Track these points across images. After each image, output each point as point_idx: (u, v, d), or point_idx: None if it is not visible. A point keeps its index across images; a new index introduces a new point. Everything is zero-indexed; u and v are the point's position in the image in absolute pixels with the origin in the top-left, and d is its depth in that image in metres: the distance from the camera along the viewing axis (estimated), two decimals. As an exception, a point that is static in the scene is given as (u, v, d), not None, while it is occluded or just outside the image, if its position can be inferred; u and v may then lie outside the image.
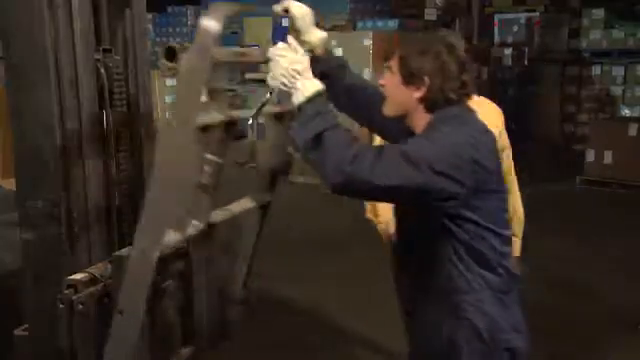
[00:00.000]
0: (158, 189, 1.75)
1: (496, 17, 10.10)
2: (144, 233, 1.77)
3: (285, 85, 1.91)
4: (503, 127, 2.77)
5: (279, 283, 5.02)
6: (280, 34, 9.15)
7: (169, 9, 12.25)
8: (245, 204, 2.40)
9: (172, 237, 1.95)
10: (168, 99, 9.12)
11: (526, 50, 9.67)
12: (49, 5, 1.86)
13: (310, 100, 1.87)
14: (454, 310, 1.98)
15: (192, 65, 1.73)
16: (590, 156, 8.34)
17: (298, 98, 1.89)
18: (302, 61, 1.93)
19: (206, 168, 2.01)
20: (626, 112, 9.47)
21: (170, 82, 9.34)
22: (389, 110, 2.08)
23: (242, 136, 2.19)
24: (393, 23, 9.38)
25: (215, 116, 1.95)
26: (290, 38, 2.03)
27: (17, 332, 2.01)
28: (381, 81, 2.09)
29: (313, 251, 5.83)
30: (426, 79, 1.97)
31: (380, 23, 9.45)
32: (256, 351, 3.81)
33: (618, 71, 9.64)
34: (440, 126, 1.93)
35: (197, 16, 10.91)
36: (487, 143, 1.97)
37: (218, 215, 2.28)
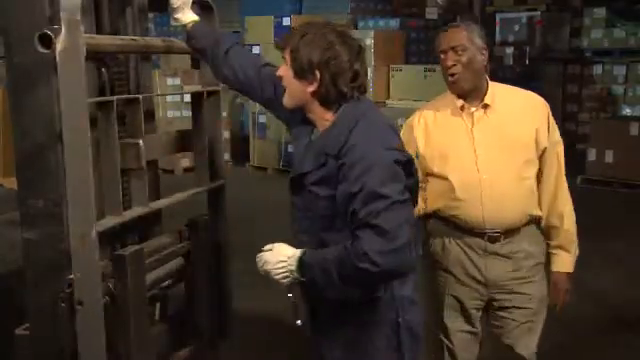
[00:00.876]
0: (78, 173, 1.81)
1: (497, 16, 10.10)
2: (76, 220, 1.82)
3: (286, 277, 2.00)
4: (550, 121, 2.57)
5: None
6: (281, 33, 9.15)
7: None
8: (192, 191, 2.44)
9: (110, 220, 2.01)
10: (169, 98, 9.12)
11: (527, 49, 9.67)
12: (50, 4, 1.86)
13: (302, 269, 1.97)
14: None
15: (66, 46, 1.77)
16: (591, 155, 8.34)
17: (299, 277, 1.98)
18: (280, 253, 2.02)
19: (127, 151, 2.08)
20: (627, 111, 9.46)
21: (171, 81, 9.34)
22: (288, 102, 2.08)
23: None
24: (394, 22, 9.38)
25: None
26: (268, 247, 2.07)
27: (18, 331, 2.02)
28: (278, 72, 2.08)
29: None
30: (317, 73, 1.96)
31: (381, 22, 9.45)
32: (262, 348, 3.81)
33: (619, 70, 9.63)
34: (349, 135, 1.95)
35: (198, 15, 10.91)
36: (395, 139, 2.04)
37: (163, 201, 2.30)
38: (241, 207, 5.83)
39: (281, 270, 1.99)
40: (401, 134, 2.72)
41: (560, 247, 2.62)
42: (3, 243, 2.52)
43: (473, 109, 2.53)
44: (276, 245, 2.04)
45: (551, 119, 2.57)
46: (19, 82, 1.91)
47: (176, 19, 2.32)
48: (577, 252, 2.65)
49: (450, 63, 2.47)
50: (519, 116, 2.53)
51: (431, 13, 10.38)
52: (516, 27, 9.95)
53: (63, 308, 1.89)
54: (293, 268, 1.98)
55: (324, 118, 2.05)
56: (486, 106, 2.53)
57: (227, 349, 2.59)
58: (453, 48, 2.46)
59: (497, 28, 10.09)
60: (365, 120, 1.99)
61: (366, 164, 1.89)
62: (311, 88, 2.00)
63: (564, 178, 2.61)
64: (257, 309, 4.32)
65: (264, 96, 2.27)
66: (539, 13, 9.93)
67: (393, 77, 8.62)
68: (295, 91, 2.04)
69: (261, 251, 2.05)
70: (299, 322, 2.13)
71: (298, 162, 2.11)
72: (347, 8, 9.79)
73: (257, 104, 10.41)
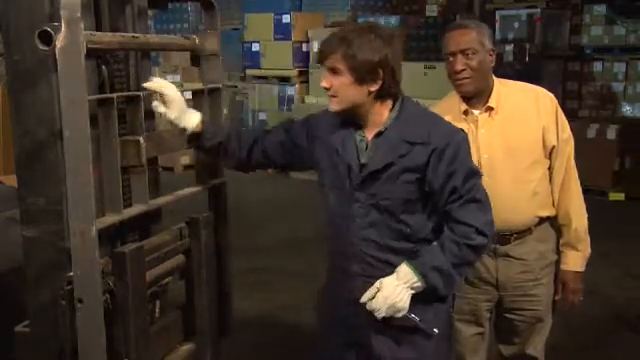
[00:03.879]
0: (78, 170, 1.80)
1: (497, 13, 10.07)
2: (76, 217, 1.82)
3: (400, 303, 2.03)
4: (559, 118, 2.53)
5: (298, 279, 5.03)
6: (281, 30, 9.15)
7: (170, 5, 12.23)
8: (193, 189, 2.44)
9: (110, 218, 2.00)
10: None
11: (527, 46, 9.64)
12: (50, 2, 1.86)
13: (423, 277, 2.02)
14: None
15: (66, 44, 1.76)
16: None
17: (419, 288, 2.04)
18: (389, 284, 2.04)
19: (127, 149, 2.07)
20: (627, 109, 9.45)
21: (171, 78, 9.34)
22: (338, 107, 2.09)
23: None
24: (394, 20, 9.37)
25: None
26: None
27: (18, 329, 2.02)
28: (324, 84, 2.10)
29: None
30: (380, 71, 2.00)
31: (381, 19, 9.44)
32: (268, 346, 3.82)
33: (619, 67, 9.61)
34: (430, 121, 2.10)
35: (198, 13, 10.91)
36: None
37: (163, 199, 2.30)
38: (241, 205, 5.83)
39: (403, 293, 2.02)
40: None
41: (569, 245, 2.59)
42: (3, 241, 2.52)
43: (477, 112, 2.49)
44: (377, 283, 2.05)
45: (560, 115, 2.52)
46: (19, 79, 1.91)
47: (182, 128, 2.25)
48: (588, 251, 2.62)
49: (460, 67, 2.42)
50: (525, 116, 2.48)
51: (431, 10, 10.38)
52: (516, 24, 9.93)
53: (63, 306, 1.89)
54: (415, 280, 2.02)
55: (381, 113, 2.10)
56: (490, 109, 2.48)
57: (227, 348, 2.59)
58: (463, 51, 2.41)
59: (497, 25, 10.06)
60: (425, 108, 2.17)
61: (455, 145, 2.04)
62: (374, 87, 2.03)
63: (574, 176, 2.56)
64: (257, 308, 4.33)
65: (281, 163, 2.35)
66: (539, 10, 9.91)
67: (393, 74, 8.61)
68: (352, 95, 2.06)
69: (367, 298, 2.06)
70: (436, 330, 2.12)
71: (370, 160, 2.09)
72: (347, 5, 9.80)
73: (257, 101, 10.31)
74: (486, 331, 2.69)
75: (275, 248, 5.74)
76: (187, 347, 2.43)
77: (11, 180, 2.44)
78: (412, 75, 8.42)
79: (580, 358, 3.88)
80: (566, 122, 2.55)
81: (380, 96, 2.07)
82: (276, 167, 2.43)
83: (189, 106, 2.28)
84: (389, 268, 2.08)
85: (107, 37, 2.02)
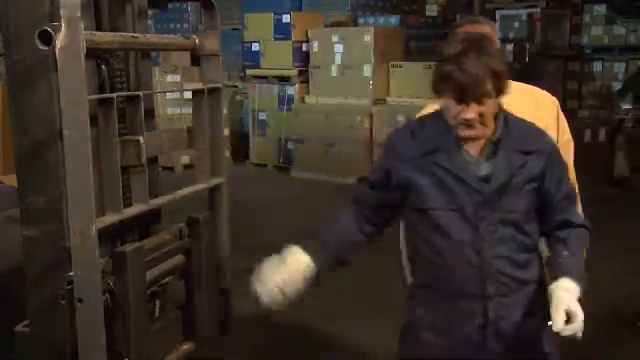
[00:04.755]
0: (78, 170, 1.81)
1: (497, 13, 10.07)
2: (76, 217, 1.82)
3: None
4: (560, 120, 2.52)
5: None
6: (281, 30, 9.15)
7: (170, 5, 12.24)
8: (193, 188, 2.43)
9: (110, 218, 2.00)
10: (169, 95, 9.12)
11: (527, 46, 9.65)
12: (50, 1, 1.86)
13: (580, 289, 2.04)
14: None
15: (66, 43, 1.77)
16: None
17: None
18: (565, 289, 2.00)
19: (127, 148, 2.08)
20: (627, 108, 9.45)
21: (171, 78, 9.34)
22: (483, 133, 1.96)
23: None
24: (394, 19, 9.37)
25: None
26: None
27: (18, 329, 2.02)
28: (471, 115, 1.90)
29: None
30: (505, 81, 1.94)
31: (381, 19, 9.45)
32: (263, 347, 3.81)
33: (619, 67, 9.63)
34: (534, 127, 2.10)
35: (198, 12, 10.90)
36: None
37: (163, 199, 2.29)
38: (241, 204, 5.83)
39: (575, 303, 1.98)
40: None
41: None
42: (3, 240, 2.52)
43: None
44: (562, 304, 1.95)
45: (561, 118, 2.51)
46: (19, 79, 1.91)
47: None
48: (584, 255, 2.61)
49: None
50: (525, 115, 2.47)
51: (431, 10, 10.38)
52: (516, 24, 9.93)
53: (63, 305, 1.89)
54: (578, 293, 2.02)
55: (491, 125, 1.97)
56: None
57: (226, 347, 2.58)
58: None
59: (497, 25, 10.07)
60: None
61: (557, 148, 2.09)
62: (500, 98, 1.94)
63: (573, 177, 2.49)
64: (256, 308, 4.32)
65: (392, 216, 2.20)
66: (539, 10, 9.91)
67: (393, 74, 8.61)
68: (493, 114, 1.95)
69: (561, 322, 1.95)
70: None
71: (493, 173, 1.97)
72: (347, 5, 9.79)
73: (257, 101, 10.27)
74: None
75: (275, 248, 5.73)
76: (187, 346, 2.43)
77: (11, 180, 2.43)
78: (412, 75, 8.43)
79: (578, 357, 3.88)
80: (566, 125, 2.54)
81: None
82: (394, 222, 2.26)
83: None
84: (518, 284, 2.01)
85: (107, 37, 2.02)
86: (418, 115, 2.63)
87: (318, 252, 2.12)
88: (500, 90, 1.90)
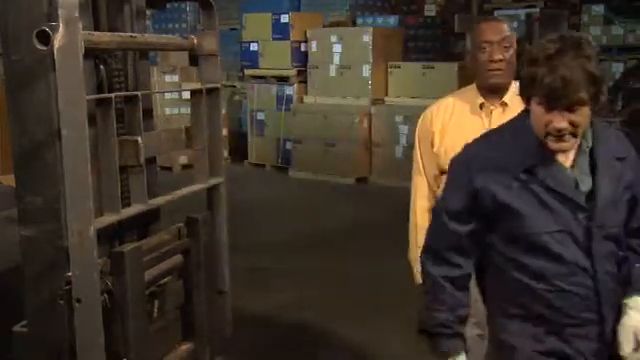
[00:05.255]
0: (76, 170, 1.81)
1: (495, 13, 10.08)
2: (74, 217, 1.82)
3: None
4: None
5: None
6: (280, 30, 9.15)
7: (168, 5, 12.22)
8: (191, 188, 2.43)
9: (108, 218, 2.00)
10: (168, 95, 9.12)
11: (526, 46, 9.66)
12: (48, 1, 1.86)
13: None
14: None
15: (64, 43, 1.76)
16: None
17: None
18: None
19: (126, 148, 2.07)
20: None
21: (169, 78, 9.33)
22: (576, 142, 1.77)
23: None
24: (393, 19, 9.37)
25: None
26: None
27: (16, 329, 2.01)
28: (564, 124, 1.69)
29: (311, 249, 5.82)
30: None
31: (380, 19, 9.44)
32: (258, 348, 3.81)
33: (617, 67, 9.63)
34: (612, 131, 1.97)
35: (197, 12, 10.89)
36: None
37: (162, 199, 2.29)
38: (240, 204, 5.83)
39: None
40: (418, 124, 2.66)
41: None
42: (1, 240, 2.52)
43: (492, 107, 2.48)
44: (630, 328, 1.81)
45: None
46: (17, 79, 1.91)
47: None
48: None
49: (498, 57, 2.38)
50: None
51: (429, 10, 10.38)
52: (514, 24, 9.93)
53: (61, 305, 1.89)
54: None
55: None
56: (505, 105, 2.47)
57: (226, 347, 2.58)
58: (500, 41, 2.39)
59: (495, 25, 10.09)
60: None
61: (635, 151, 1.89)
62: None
63: None
64: (256, 308, 4.32)
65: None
66: (537, 10, 9.91)
67: (391, 74, 8.61)
68: (587, 124, 1.75)
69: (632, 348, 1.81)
70: None
71: (598, 186, 1.79)
72: (346, 5, 9.79)
73: (255, 101, 10.26)
74: (485, 334, 2.67)
75: (274, 247, 5.73)
76: (186, 347, 2.43)
77: (9, 179, 2.43)
78: (410, 75, 8.43)
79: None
80: None
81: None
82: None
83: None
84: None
85: (105, 37, 2.02)
86: (428, 110, 2.62)
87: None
88: (597, 97, 1.67)
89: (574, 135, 1.70)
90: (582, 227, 1.76)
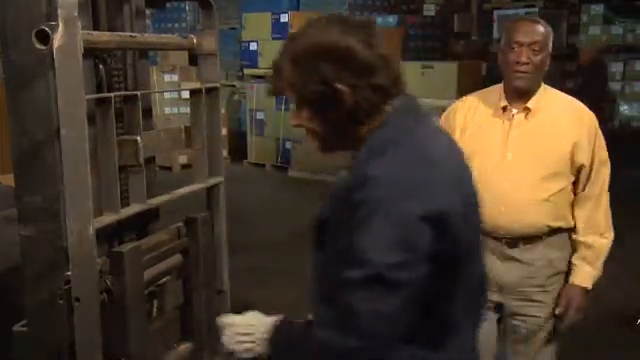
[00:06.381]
0: (75, 170, 1.81)
1: (495, 13, 10.08)
2: (73, 216, 1.82)
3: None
4: (597, 139, 2.43)
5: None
6: (279, 30, 9.15)
7: (168, 5, 12.21)
8: (190, 188, 2.44)
9: (108, 217, 2.00)
10: (167, 95, 9.12)
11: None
12: (47, 1, 1.86)
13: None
14: None
15: (64, 43, 1.76)
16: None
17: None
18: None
19: (125, 148, 2.07)
20: (625, 108, 9.47)
21: (168, 78, 9.33)
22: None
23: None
24: (392, 19, 9.36)
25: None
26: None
27: (16, 328, 2.02)
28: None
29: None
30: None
31: (379, 19, 9.44)
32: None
33: (617, 67, 9.64)
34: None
35: (196, 12, 10.90)
36: None
37: (161, 198, 2.30)
38: (239, 204, 5.83)
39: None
40: (443, 116, 2.58)
41: (585, 260, 2.48)
42: (1, 240, 2.52)
43: (515, 111, 2.43)
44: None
45: (599, 137, 2.44)
46: (16, 79, 1.91)
47: None
48: (601, 271, 2.51)
49: (524, 59, 2.33)
50: (559, 127, 2.41)
51: (429, 10, 10.38)
52: (514, 24, 9.95)
53: (61, 305, 1.89)
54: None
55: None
56: (527, 110, 2.42)
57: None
58: (531, 44, 2.33)
59: (495, 25, 10.07)
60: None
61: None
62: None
63: (606, 199, 2.49)
64: (255, 307, 4.32)
65: None
66: (537, 10, 9.91)
67: (391, 74, 8.60)
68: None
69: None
70: None
71: None
72: (345, 4, 9.78)
73: (255, 101, 10.26)
74: (494, 330, 2.65)
75: (273, 247, 5.73)
76: (185, 346, 2.43)
77: (8, 179, 2.43)
78: (410, 75, 8.39)
79: (577, 356, 3.88)
80: (604, 145, 2.47)
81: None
82: None
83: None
84: None
85: (105, 36, 2.02)
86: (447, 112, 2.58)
87: None
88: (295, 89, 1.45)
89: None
90: None
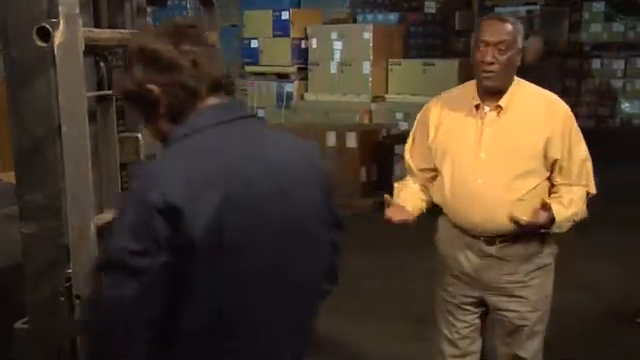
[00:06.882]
0: (76, 167, 1.80)
1: (496, 10, 10.08)
2: (75, 214, 1.82)
3: None
4: (572, 134, 2.43)
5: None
6: (280, 27, 9.14)
7: (169, 2, 12.22)
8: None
9: (109, 215, 1.98)
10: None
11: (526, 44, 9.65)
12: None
13: None
14: None
15: (65, 40, 1.75)
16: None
17: None
18: None
19: (126, 145, 2.07)
20: (626, 106, 9.46)
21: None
22: None
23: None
24: (393, 16, 9.36)
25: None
26: None
27: (17, 325, 2.02)
28: None
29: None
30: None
31: (380, 16, 9.44)
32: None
33: (618, 64, 9.64)
34: None
35: (197, 9, 10.88)
36: None
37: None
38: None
39: None
40: (419, 114, 2.64)
41: (560, 201, 2.43)
42: (2, 238, 2.52)
43: (487, 109, 2.44)
44: None
45: (574, 132, 2.44)
46: (17, 76, 1.90)
47: None
48: (575, 216, 2.47)
49: (489, 59, 2.35)
50: (532, 123, 2.42)
51: (430, 7, 10.36)
52: (515, 21, 9.94)
53: (62, 302, 1.89)
54: None
55: None
56: (499, 108, 2.43)
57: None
58: (497, 44, 2.34)
59: (496, 22, 10.08)
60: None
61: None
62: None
63: (586, 194, 2.50)
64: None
65: None
66: (538, 7, 9.91)
67: (392, 71, 8.60)
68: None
69: None
70: None
71: None
72: (346, 2, 9.77)
73: (256, 98, 10.23)
74: (478, 324, 2.68)
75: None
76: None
77: (9, 177, 2.43)
78: (411, 72, 8.41)
79: (577, 355, 3.88)
80: (582, 141, 2.46)
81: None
82: None
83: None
84: None
85: (106, 34, 2.02)
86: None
87: None
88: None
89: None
90: None
